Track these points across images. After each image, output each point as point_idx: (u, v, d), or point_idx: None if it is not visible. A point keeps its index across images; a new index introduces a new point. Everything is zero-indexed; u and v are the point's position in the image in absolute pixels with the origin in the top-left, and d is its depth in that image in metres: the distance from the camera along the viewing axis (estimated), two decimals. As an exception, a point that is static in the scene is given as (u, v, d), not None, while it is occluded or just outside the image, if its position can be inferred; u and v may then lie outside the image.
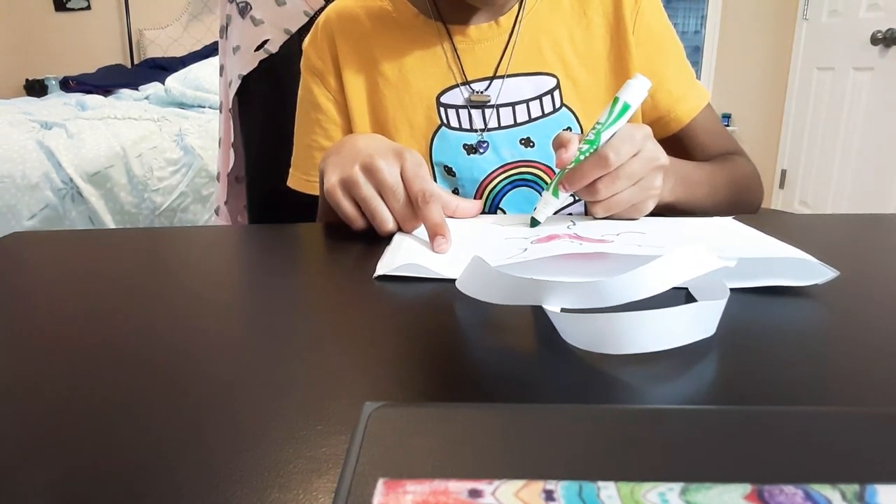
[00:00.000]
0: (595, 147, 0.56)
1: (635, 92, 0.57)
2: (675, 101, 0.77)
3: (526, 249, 0.50)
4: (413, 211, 0.55)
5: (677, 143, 0.78)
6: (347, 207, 0.58)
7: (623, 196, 0.57)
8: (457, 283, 0.42)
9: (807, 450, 0.21)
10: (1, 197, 1.96)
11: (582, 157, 0.56)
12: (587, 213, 0.61)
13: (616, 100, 0.56)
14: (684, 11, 3.39)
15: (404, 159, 0.57)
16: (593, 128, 0.57)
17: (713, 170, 0.73)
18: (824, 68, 2.88)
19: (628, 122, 0.57)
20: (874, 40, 2.46)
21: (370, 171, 0.57)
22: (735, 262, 0.41)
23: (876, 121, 2.51)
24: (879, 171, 2.48)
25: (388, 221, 0.56)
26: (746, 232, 0.54)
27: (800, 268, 0.43)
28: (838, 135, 2.75)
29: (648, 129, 0.58)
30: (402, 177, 0.56)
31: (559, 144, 0.56)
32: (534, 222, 0.60)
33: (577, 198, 0.76)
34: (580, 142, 0.56)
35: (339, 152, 0.62)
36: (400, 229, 0.57)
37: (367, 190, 0.57)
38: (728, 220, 0.59)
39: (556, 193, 0.58)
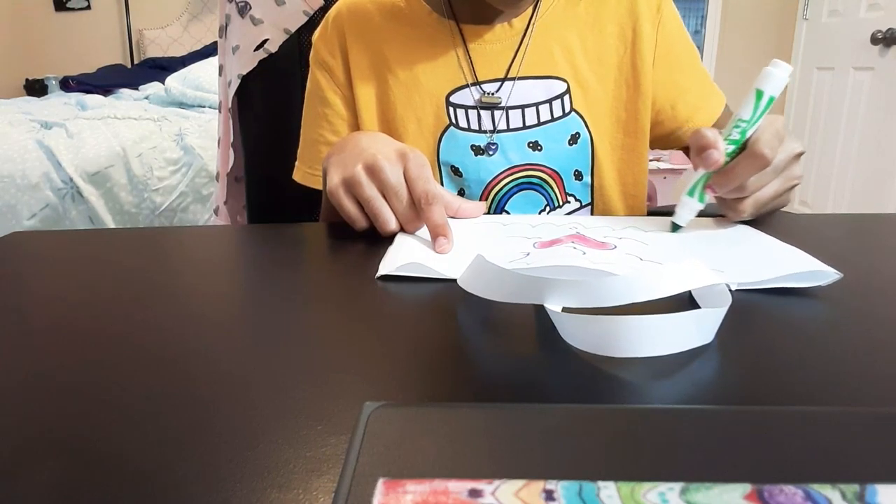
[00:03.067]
0: (740, 145, 0.54)
1: (778, 81, 0.53)
2: (694, 111, 0.76)
3: (528, 254, 0.50)
4: (416, 212, 0.55)
5: None
6: (350, 208, 0.58)
7: (769, 189, 0.56)
8: (458, 280, 0.42)
9: (807, 450, 0.21)
10: (1, 197, 1.96)
11: (728, 159, 0.54)
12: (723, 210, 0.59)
13: (760, 93, 0.53)
14: (684, 11, 3.39)
15: (408, 160, 0.57)
16: (736, 125, 0.54)
17: None
18: (824, 68, 2.88)
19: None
20: (874, 40, 2.46)
21: (373, 172, 0.56)
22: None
23: (876, 121, 2.51)
24: (879, 171, 2.48)
25: (390, 222, 0.56)
26: (750, 235, 0.54)
27: (804, 269, 0.43)
28: (838, 135, 2.75)
29: (782, 118, 0.56)
30: (405, 177, 0.56)
31: (705, 145, 0.52)
32: (675, 227, 0.57)
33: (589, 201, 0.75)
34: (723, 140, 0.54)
35: (342, 151, 0.61)
36: (402, 230, 0.57)
37: (370, 190, 0.56)
38: (731, 223, 0.59)
39: (702, 198, 0.55)
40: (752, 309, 0.40)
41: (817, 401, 0.29)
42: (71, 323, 0.40)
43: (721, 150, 0.52)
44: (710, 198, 0.56)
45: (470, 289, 0.41)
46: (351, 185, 0.57)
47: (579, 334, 0.34)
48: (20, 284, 0.48)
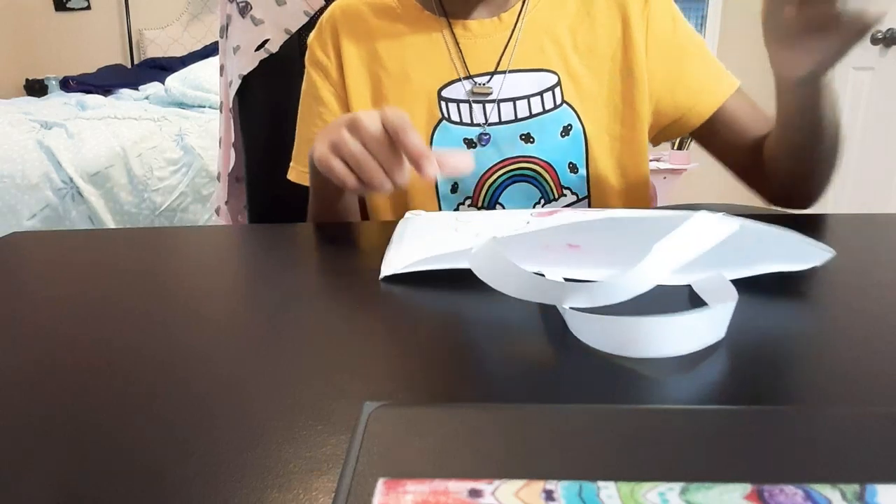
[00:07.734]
0: None
1: None
2: (696, 95, 0.75)
3: (528, 223, 0.50)
4: (399, 157, 0.55)
5: (715, 136, 0.76)
6: (338, 166, 0.57)
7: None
8: (469, 261, 0.40)
9: (807, 450, 0.21)
10: (1, 197, 1.96)
11: None
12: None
13: None
14: (684, 11, 3.38)
15: (385, 112, 0.56)
16: None
17: None
18: (824, 68, 2.88)
19: None
20: (874, 40, 2.45)
21: (355, 128, 0.56)
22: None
23: (876, 121, 2.51)
24: (879, 171, 2.48)
25: (375, 171, 0.56)
26: (738, 221, 0.53)
27: (797, 251, 0.42)
28: (838, 135, 2.74)
29: None
30: (384, 126, 0.56)
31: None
32: None
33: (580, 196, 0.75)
34: None
35: (328, 127, 0.62)
36: (393, 183, 0.56)
37: (354, 145, 0.56)
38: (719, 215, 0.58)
39: None
40: (751, 309, 0.40)
41: (817, 401, 0.29)
42: (71, 323, 0.40)
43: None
44: None
45: (481, 275, 0.39)
46: (336, 147, 0.57)
47: (593, 333, 0.34)
48: (20, 284, 0.48)
